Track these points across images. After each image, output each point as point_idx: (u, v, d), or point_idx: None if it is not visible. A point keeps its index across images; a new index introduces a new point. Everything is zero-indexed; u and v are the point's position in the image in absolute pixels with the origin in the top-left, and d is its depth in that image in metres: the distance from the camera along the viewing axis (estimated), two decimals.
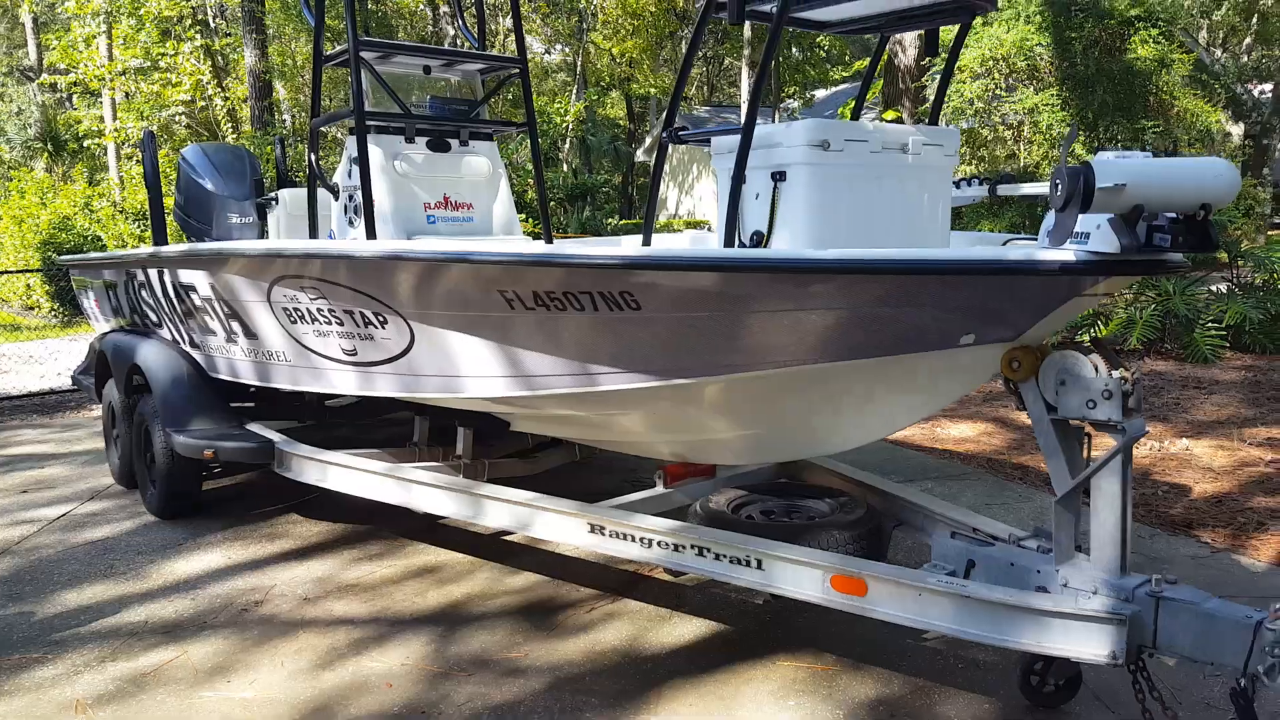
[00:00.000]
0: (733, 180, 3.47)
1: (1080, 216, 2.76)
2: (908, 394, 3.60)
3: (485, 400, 4.31)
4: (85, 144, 21.56)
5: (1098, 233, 2.74)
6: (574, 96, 25.47)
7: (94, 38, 20.32)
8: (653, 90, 25.72)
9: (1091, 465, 3.12)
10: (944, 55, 4.75)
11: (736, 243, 3.60)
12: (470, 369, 4.10)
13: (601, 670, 4.09)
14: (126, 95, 19.30)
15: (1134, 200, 2.62)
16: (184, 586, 5.12)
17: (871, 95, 16.58)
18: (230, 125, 18.23)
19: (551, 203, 16.87)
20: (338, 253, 4.34)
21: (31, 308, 17.83)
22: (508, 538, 5.53)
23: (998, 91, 12.96)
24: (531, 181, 15.76)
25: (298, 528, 6.00)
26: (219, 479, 7.10)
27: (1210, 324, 10.43)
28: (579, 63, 25.77)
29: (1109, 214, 2.69)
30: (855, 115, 4.92)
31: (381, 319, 4.26)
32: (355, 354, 4.56)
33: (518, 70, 5.68)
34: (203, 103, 18.17)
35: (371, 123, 5.20)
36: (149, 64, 18.33)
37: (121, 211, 16.79)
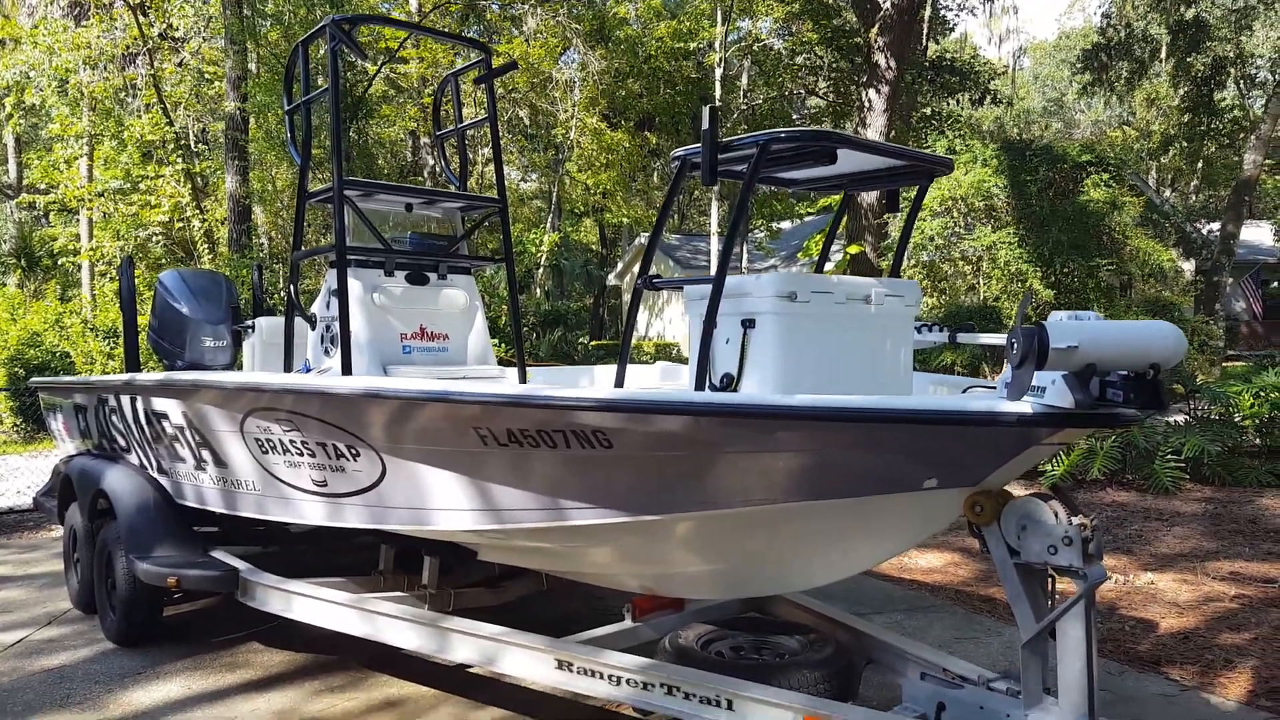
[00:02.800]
0: (704, 328, 3.61)
1: (1035, 372, 2.90)
2: (873, 535, 3.67)
3: (454, 533, 4.33)
4: (59, 261, 21.65)
5: (1053, 388, 2.87)
6: (549, 225, 26.06)
7: (76, 159, 20.62)
8: (624, 219, 26.40)
9: (1055, 609, 3.19)
10: (905, 210, 5.02)
11: (707, 385, 3.71)
12: (440, 502, 4.13)
13: None
14: (104, 215, 19.51)
15: (1086, 359, 2.76)
16: (142, 718, 5.00)
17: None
18: (207, 246, 18.43)
19: (525, 327, 17.09)
20: (315, 388, 4.41)
21: None
22: (472, 670, 5.46)
23: (957, 229, 13.46)
24: (505, 307, 15.97)
25: (259, 656, 5.90)
26: (179, 604, 6.98)
27: (1170, 455, 10.63)
28: (555, 193, 26.45)
29: (1063, 371, 2.83)
30: (823, 254, 5.12)
31: (354, 452, 4.31)
32: (325, 485, 4.58)
33: (497, 209, 5.86)
34: (180, 224, 18.38)
35: (352, 257, 5.33)
36: (129, 185, 18.58)
37: (92, 329, 16.78)
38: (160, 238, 19.26)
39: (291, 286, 5.45)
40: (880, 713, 3.54)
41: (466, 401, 3.68)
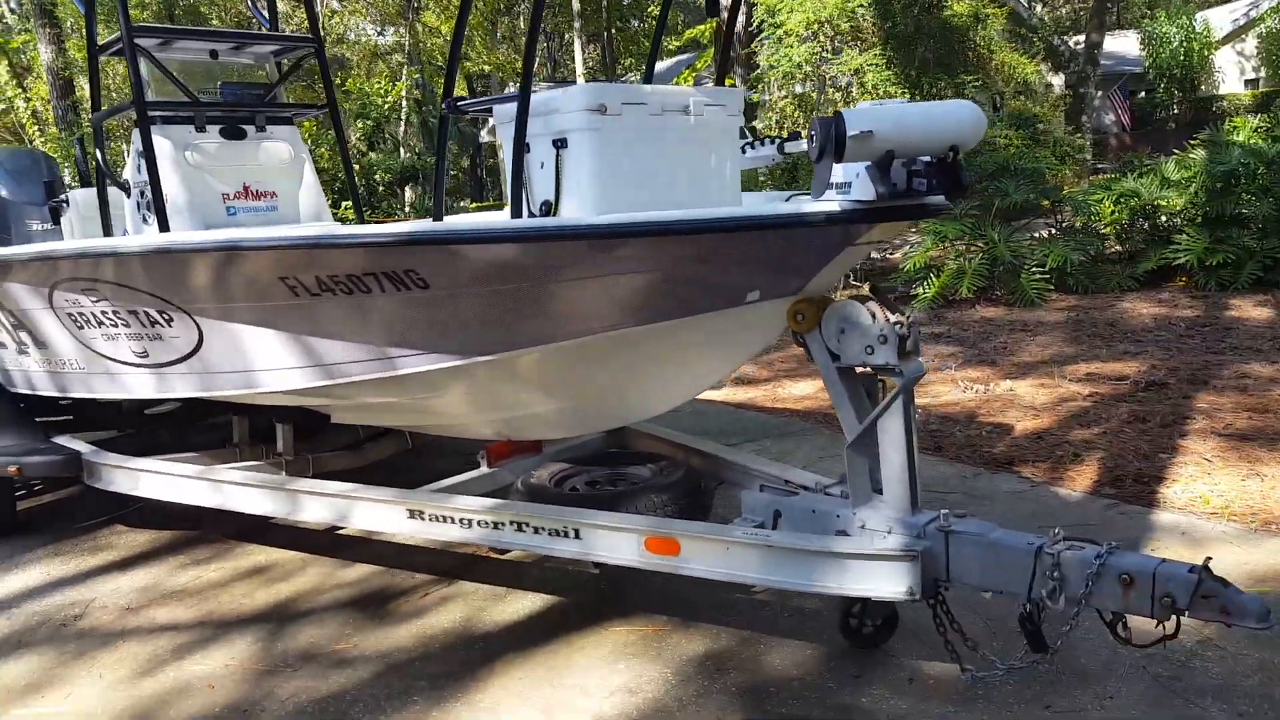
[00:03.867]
0: (514, 149, 3.43)
1: (841, 167, 2.82)
2: (704, 355, 3.63)
3: (287, 394, 4.18)
4: None
5: (857, 181, 2.81)
6: (404, 76, 24.84)
7: None
8: (487, 67, 25.30)
9: (874, 410, 3.20)
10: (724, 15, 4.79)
11: (525, 213, 3.56)
12: (265, 362, 3.97)
13: (432, 654, 4.04)
14: None
15: (885, 146, 2.69)
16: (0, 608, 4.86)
17: (703, 64, 16.76)
18: (36, 128, 17.15)
19: (381, 187, 16.41)
20: (105, 250, 4.14)
21: None
22: (342, 532, 5.40)
23: (824, 54, 13.26)
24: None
25: (122, 538, 5.75)
26: (40, 496, 6.74)
27: (1035, 269, 10.90)
28: (407, 42, 25.11)
29: (866, 162, 2.75)
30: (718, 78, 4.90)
31: (166, 317, 4.08)
32: (147, 355, 4.36)
33: (313, 49, 5.49)
34: (3, 105, 17.03)
35: (156, 113, 4.95)
36: None
37: None
38: None
39: (98, 152, 5.06)
40: (720, 525, 3.58)
41: (254, 248, 3.48)
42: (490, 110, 3.82)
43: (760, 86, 14.37)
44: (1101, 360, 8.07)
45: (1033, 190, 11.40)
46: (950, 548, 3.11)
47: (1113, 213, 11.43)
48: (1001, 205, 11.31)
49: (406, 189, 18.42)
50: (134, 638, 4.38)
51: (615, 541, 3.61)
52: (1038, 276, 10.81)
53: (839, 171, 2.90)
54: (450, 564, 4.93)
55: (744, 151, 4.32)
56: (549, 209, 3.55)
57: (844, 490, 3.54)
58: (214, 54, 5.27)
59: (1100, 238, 11.67)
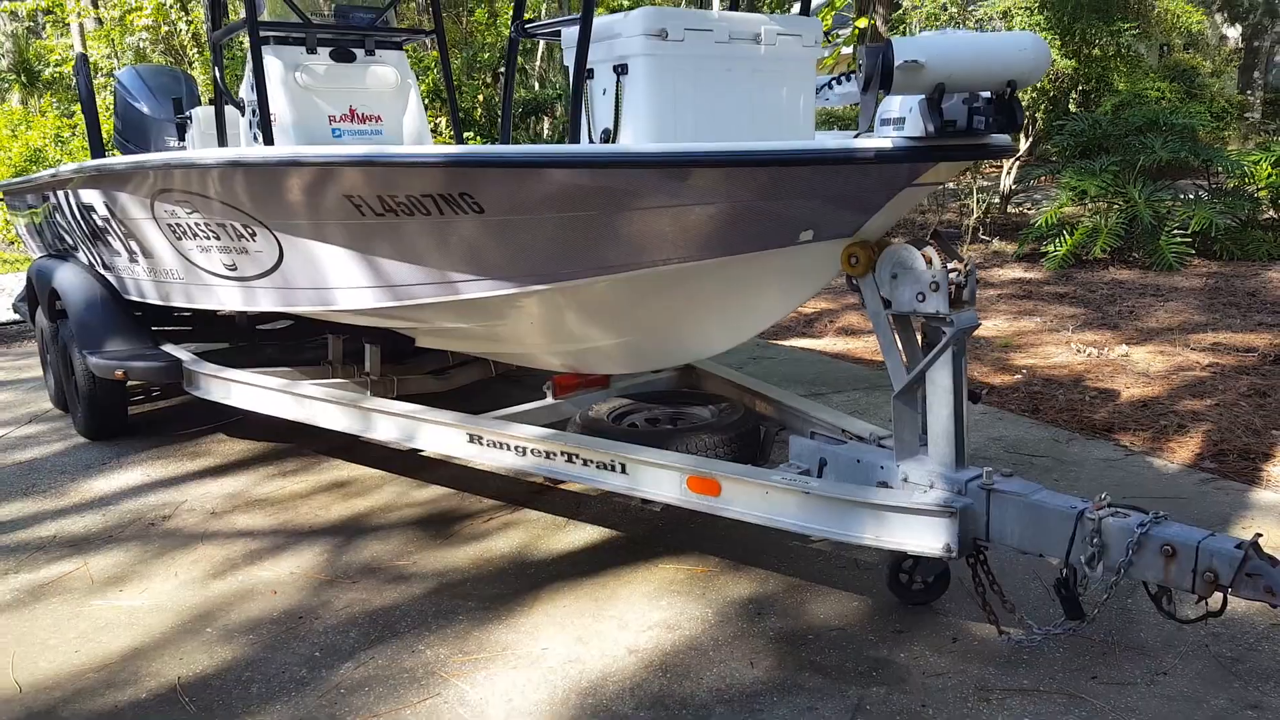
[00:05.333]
0: (574, 75, 3.38)
1: (897, 101, 2.68)
2: (757, 295, 3.54)
3: (359, 313, 4.28)
4: (61, 74, 21.21)
5: (910, 116, 2.67)
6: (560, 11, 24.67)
7: None
8: None
9: (922, 360, 3.07)
10: None
11: (585, 140, 3.52)
12: (338, 280, 4.06)
13: (485, 577, 4.12)
14: (99, 22, 18.89)
15: (936, 79, 2.54)
16: (98, 503, 5.17)
17: (842, 2, 16.17)
18: (196, 50, 17.86)
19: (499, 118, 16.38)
20: (183, 161, 4.28)
21: (13, 242, 17.78)
22: (423, 454, 5.53)
23: None
24: (485, 93, 15.26)
25: (221, 446, 6.03)
26: (155, 403, 7.13)
27: (1176, 231, 10.27)
28: None
29: (919, 95, 2.61)
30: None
31: (250, 231, 4.21)
32: (235, 269, 4.52)
33: None
34: (167, 28, 17.76)
35: (269, 33, 5.08)
36: None
37: None
38: (151, 44, 18.70)
39: (216, 70, 5.22)
40: (766, 469, 3.52)
41: (311, 164, 3.53)
42: (559, 35, 3.77)
43: (902, 28, 13.83)
44: (1232, 330, 7.58)
45: (1182, 148, 10.68)
46: (991, 506, 2.99)
47: (1270, 176, 10.64)
48: (1147, 162, 10.65)
49: (544, 121, 18.39)
50: (213, 541, 4.60)
51: (659, 478, 3.59)
52: (1178, 239, 10.18)
53: (896, 105, 2.76)
54: (520, 492, 5.01)
55: (831, 87, 4.16)
56: (608, 137, 3.50)
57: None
58: None
59: (1253, 202, 10.89)
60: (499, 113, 17.33)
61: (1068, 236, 10.63)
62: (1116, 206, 10.63)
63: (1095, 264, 10.48)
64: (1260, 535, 2.59)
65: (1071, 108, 12.59)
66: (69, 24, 20.59)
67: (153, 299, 5.58)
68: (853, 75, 4.10)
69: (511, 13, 3.84)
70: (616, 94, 3.42)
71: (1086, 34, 12.37)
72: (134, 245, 5.30)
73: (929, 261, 2.99)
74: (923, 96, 2.60)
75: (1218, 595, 2.61)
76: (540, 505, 4.81)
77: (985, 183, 13.71)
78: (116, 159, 5.14)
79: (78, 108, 21.21)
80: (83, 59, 7.11)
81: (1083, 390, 6.29)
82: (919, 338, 3.27)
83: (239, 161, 3.99)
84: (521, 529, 4.57)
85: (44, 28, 24.51)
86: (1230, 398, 5.91)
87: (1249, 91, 16.57)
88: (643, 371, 4.74)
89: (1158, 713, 2.95)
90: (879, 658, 3.35)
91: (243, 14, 4.68)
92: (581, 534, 4.48)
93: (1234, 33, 22.45)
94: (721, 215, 3.11)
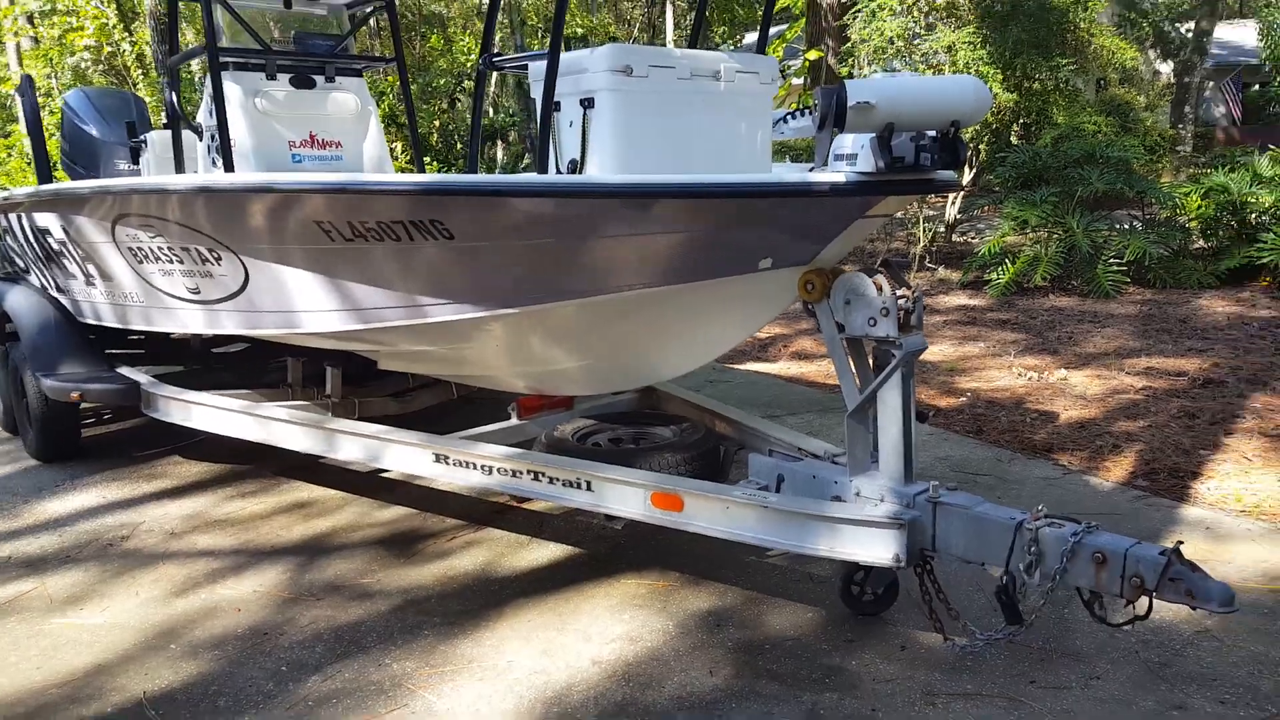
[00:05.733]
0: (542, 106, 3.52)
1: (850, 138, 2.86)
2: (719, 320, 3.69)
3: (326, 335, 4.36)
4: None
5: (862, 153, 2.84)
6: (511, 37, 25.00)
7: None
8: (580, 30, 25.24)
9: (874, 381, 3.24)
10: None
11: (551, 171, 3.66)
12: (304, 304, 4.14)
13: (449, 593, 4.21)
14: (35, 40, 18.67)
15: (886, 119, 2.72)
16: (53, 525, 5.17)
17: (793, 34, 16.55)
18: (140, 71, 17.74)
19: (459, 144, 16.57)
20: (153, 187, 4.35)
21: None
22: (384, 474, 5.60)
23: (917, 30, 13.02)
24: (442, 119, 15.39)
25: (177, 468, 6.05)
26: (108, 425, 7.11)
27: (1112, 260, 10.64)
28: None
29: (871, 134, 2.79)
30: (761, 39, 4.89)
31: (215, 255, 4.29)
32: (199, 292, 4.58)
33: (383, 4, 5.64)
34: (109, 48, 17.64)
35: (229, 59, 5.15)
36: (49, 6, 17.67)
37: (30, 163, 16.42)
38: (93, 64, 18.53)
39: (173, 95, 5.29)
40: (726, 485, 3.66)
41: (285, 191, 3.63)
42: (527, 69, 3.91)
43: (851, 61, 14.19)
44: (1165, 355, 7.88)
45: (1118, 179, 11.09)
46: (938, 518, 3.16)
47: (1199, 207, 11.07)
48: (1084, 193, 11.04)
49: (498, 147, 18.53)
50: (173, 561, 4.64)
51: (624, 495, 3.71)
52: (1114, 268, 10.55)
53: (849, 142, 2.94)
54: (482, 511, 5.10)
55: (786, 121, 4.34)
56: (575, 167, 3.64)
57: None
58: (287, 4, 5.44)
59: (1184, 232, 11.31)
60: (454, 139, 17.55)
61: (1010, 265, 10.96)
62: (1056, 236, 10.99)
63: (1036, 291, 10.81)
64: (1182, 543, 2.79)
65: (1013, 140, 13.02)
66: (4, 43, 20.32)
67: (110, 322, 5.60)
68: (807, 110, 4.28)
69: (480, 46, 3.97)
70: (583, 126, 3.57)
71: (1027, 69, 12.83)
72: (91, 268, 5.33)
73: (879, 289, 3.17)
74: (874, 135, 2.78)
75: (1144, 600, 2.80)
76: (503, 524, 4.91)
77: (931, 212, 14.07)
78: (77, 183, 5.17)
79: (15, 128, 20.93)
80: (28, 80, 7.10)
81: (1024, 412, 6.53)
82: (870, 361, 3.44)
83: (209, 187, 4.07)
84: (485, 547, 4.66)
85: None
86: (1162, 419, 6.18)
87: (1180, 126, 17.17)
88: (605, 393, 4.87)
89: (1092, 715, 3.13)
90: (832, 665, 3.50)
91: (195, 38, 4.77)
92: (544, 551, 4.59)
93: (1166, 69, 23.27)
94: (685, 243, 3.26)
